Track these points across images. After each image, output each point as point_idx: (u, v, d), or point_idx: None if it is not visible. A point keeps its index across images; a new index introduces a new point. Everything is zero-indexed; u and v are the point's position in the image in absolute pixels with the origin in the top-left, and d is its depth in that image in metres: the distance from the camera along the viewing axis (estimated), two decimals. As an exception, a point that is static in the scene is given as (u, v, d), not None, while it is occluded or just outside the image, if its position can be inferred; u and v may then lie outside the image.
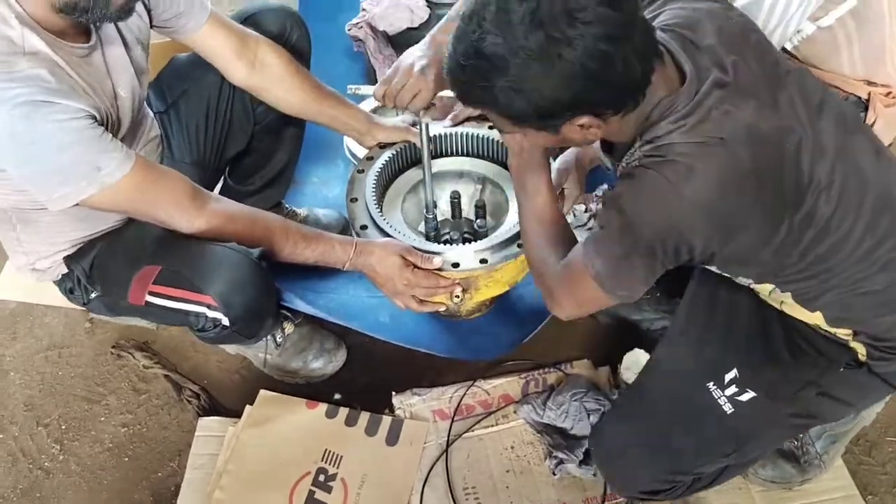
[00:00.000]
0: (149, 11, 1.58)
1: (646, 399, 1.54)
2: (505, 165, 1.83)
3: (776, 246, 1.21)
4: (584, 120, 1.14)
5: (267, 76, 1.72)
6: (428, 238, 1.77)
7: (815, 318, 1.34)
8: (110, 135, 1.38)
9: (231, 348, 1.91)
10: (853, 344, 1.34)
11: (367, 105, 2.09)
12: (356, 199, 1.73)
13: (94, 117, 1.35)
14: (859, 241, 1.23)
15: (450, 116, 1.87)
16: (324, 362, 1.86)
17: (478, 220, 1.80)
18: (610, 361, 1.86)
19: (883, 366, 1.33)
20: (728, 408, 1.39)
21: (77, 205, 1.39)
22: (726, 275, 1.39)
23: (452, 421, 1.77)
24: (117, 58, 1.50)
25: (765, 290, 1.36)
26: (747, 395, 1.38)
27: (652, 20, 1.24)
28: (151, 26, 1.61)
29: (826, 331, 1.35)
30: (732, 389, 1.39)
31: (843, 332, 1.34)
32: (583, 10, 1.04)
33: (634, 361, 1.81)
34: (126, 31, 1.52)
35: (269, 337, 1.81)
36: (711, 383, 1.41)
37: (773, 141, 1.15)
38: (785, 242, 1.21)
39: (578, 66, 1.05)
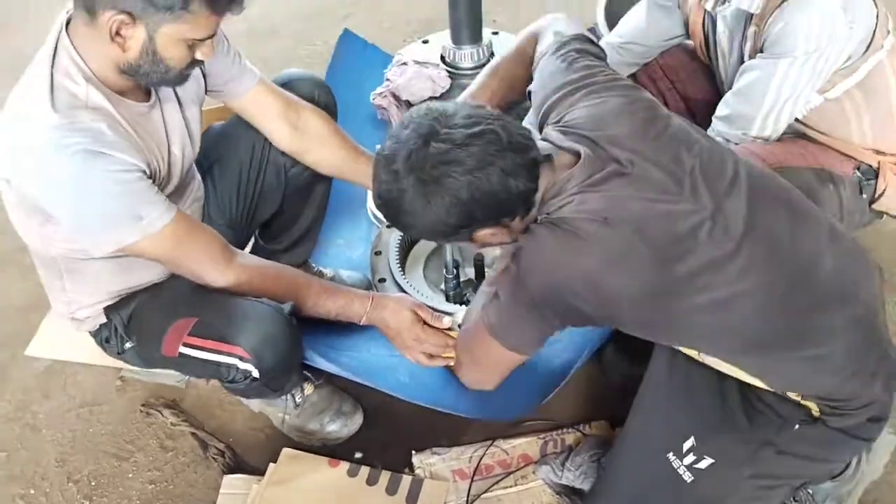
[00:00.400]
0: (205, 77, 1.69)
1: (616, 473, 1.56)
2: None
3: (670, 317, 1.28)
4: (486, 231, 1.32)
5: (309, 137, 1.81)
6: (448, 298, 1.81)
7: (759, 383, 1.35)
8: (156, 188, 1.49)
9: (254, 405, 1.95)
10: (805, 402, 1.35)
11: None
12: (380, 253, 1.79)
13: (143, 171, 1.46)
14: (769, 313, 1.26)
15: None
16: (340, 425, 1.89)
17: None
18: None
19: (837, 421, 1.33)
20: (688, 476, 1.40)
21: (119, 252, 1.49)
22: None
23: (472, 481, 1.78)
24: (173, 118, 1.61)
25: (692, 352, 1.39)
26: (705, 462, 1.38)
27: (560, 119, 1.36)
28: (206, 91, 1.72)
29: (776, 391, 1.36)
30: (690, 458, 1.40)
31: (792, 394, 1.34)
32: (447, 153, 1.24)
33: (652, 422, 1.82)
34: (182, 94, 1.63)
35: (288, 396, 1.86)
36: (671, 454, 1.42)
37: (663, 224, 1.23)
38: (678, 316, 1.27)
39: (452, 198, 1.25)
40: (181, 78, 1.51)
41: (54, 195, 1.43)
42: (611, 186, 1.25)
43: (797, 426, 1.35)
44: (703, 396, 1.44)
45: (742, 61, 1.79)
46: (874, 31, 1.69)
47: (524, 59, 1.66)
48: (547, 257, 1.27)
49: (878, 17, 1.69)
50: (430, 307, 1.67)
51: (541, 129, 1.43)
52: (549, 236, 1.26)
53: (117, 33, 1.37)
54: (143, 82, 1.49)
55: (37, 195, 1.44)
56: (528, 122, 1.55)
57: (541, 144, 1.34)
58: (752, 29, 1.74)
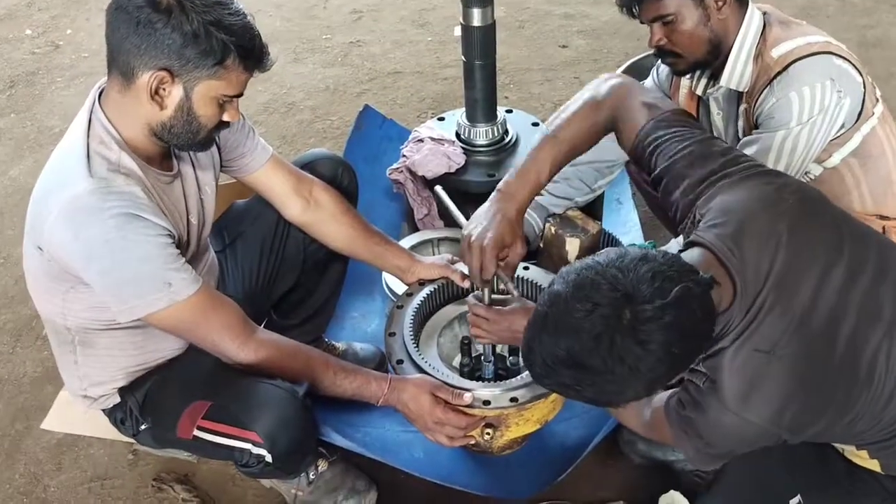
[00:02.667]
0: (220, 150, 1.74)
1: None
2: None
3: (848, 422, 1.27)
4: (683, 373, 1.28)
5: (320, 213, 1.85)
6: (462, 374, 1.81)
7: (872, 465, 1.36)
8: (183, 258, 1.52)
9: (266, 482, 1.93)
10: None
11: (407, 243, 2.19)
12: (394, 334, 1.79)
13: (172, 236, 1.50)
14: None
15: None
16: (355, 503, 1.87)
17: (511, 357, 1.85)
18: (644, 502, 1.84)
19: None
20: None
21: (140, 322, 1.51)
22: None
23: (486, 561, 1.75)
24: (192, 188, 1.66)
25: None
26: None
27: (704, 215, 1.33)
28: (222, 167, 1.77)
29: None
30: None
31: None
32: (651, 333, 1.14)
33: (670, 503, 1.79)
34: (198, 166, 1.68)
35: (302, 474, 1.84)
36: None
37: (823, 332, 1.23)
38: (857, 418, 1.27)
39: (663, 368, 1.18)
40: (208, 141, 1.56)
41: (90, 256, 1.45)
42: (768, 309, 1.24)
43: None
44: (804, 459, 1.45)
45: (738, 139, 1.84)
46: (863, 99, 1.74)
47: (593, 129, 1.60)
48: (728, 425, 1.26)
49: (864, 85, 1.74)
50: (449, 384, 1.66)
51: (681, 219, 1.41)
52: (719, 406, 1.25)
53: (156, 92, 1.44)
54: (172, 144, 1.54)
55: (71, 258, 1.47)
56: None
57: (695, 251, 1.29)
58: (742, 106, 1.80)
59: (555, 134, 1.61)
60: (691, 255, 1.28)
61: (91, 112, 1.50)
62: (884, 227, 1.80)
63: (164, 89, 1.44)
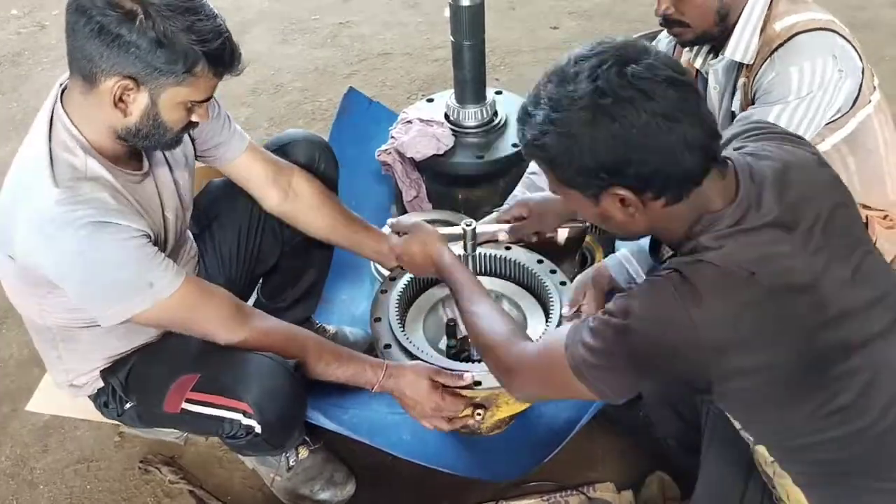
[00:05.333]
0: (193, 141, 1.70)
1: None
2: (520, 283, 1.90)
3: (782, 404, 1.17)
4: (623, 192, 1.15)
5: (299, 204, 1.81)
6: (449, 356, 1.81)
7: None
8: (162, 254, 1.48)
9: (248, 461, 1.92)
10: None
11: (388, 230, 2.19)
12: (380, 319, 1.78)
13: (148, 236, 1.46)
14: (878, 428, 1.17)
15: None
16: (331, 495, 1.85)
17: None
18: (632, 482, 1.85)
19: None
20: None
21: (126, 321, 1.47)
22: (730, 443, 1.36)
23: (473, 543, 1.75)
24: (165, 183, 1.62)
25: (765, 457, 1.29)
26: None
27: (740, 148, 1.27)
28: (196, 156, 1.73)
29: None
30: None
31: None
32: (641, 79, 1.10)
33: (657, 484, 1.79)
34: (172, 160, 1.63)
35: (283, 458, 1.83)
36: None
37: (811, 300, 1.13)
38: (792, 408, 1.17)
39: (621, 132, 1.10)
40: (176, 141, 1.51)
41: (64, 269, 1.42)
42: (768, 240, 1.13)
43: None
44: None
45: (732, 115, 1.82)
46: (861, 85, 1.72)
47: None
48: (666, 312, 1.12)
49: (863, 71, 1.72)
50: (446, 369, 1.66)
51: None
52: (672, 292, 1.12)
53: (120, 99, 1.37)
54: (139, 146, 1.49)
55: (46, 271, 1.43)
56: None
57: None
58: (741, 80, 1.78)
59: None
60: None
61: (52, 113, 1.43)
62: (866, 217, 1.80)
63: (128, 97, 1.37)
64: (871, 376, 1.16)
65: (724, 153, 1.24)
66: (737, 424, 1.30)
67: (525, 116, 1.20)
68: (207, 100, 1.46)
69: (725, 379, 1.15)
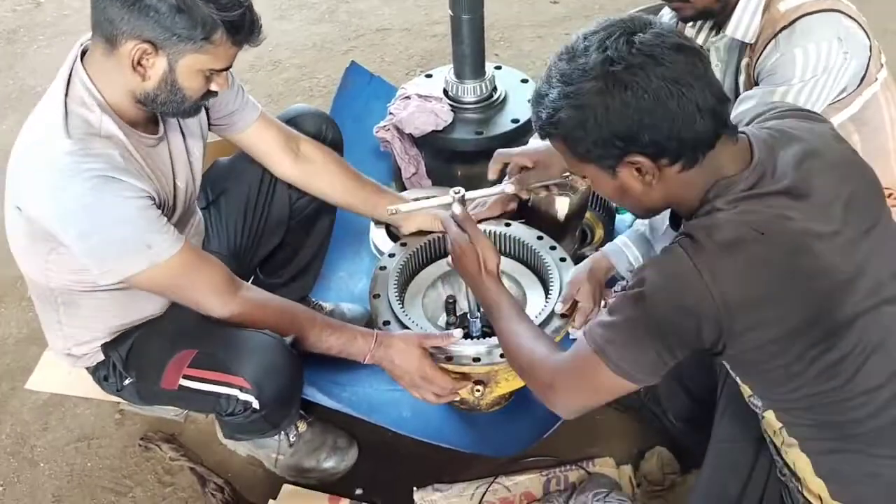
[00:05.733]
0: (207, 111, 1.70)
1: None
2: (520, 260, 1.89)
3: (789, 360, 1.17)
4: (639, 160, 1.16)
5: (310, 168, 1.83)
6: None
7: (819, 489, 1.27)
8: (165, 218, 1.49)
9: (243, 449, 1.93)
10: None
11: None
12: (378, 296, 1.78)
13: (153, 199, 1.47)
14: (884, 394, 1.18)
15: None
16: (336, 461, 1.87)
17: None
18: (631, 458, 1.85)
19: None
20: None
21: (123, 284, 1.49)
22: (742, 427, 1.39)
23: (473, 518, 1.76)
24: (179, 151, 1.63)
25: (774, 425, 1.30)
26: None
27: (762, 123, 1.28)
28: (210, 126, 1.73)
29: None
30: None
31: None
32: (649, 45, 1.12)
33: (657, 459, 1.80)
34: (186, 129, 1.64)
35: (282, 436, 1.83)
36: None
37: (821, 263, 1.14)
38: (799, 361, 1.17)
39: (633, 99, 1.12)
40: (195, 109, 1.53)
41: (67, 219, 1.43)
42: (780, 205, 1.15)
43: None
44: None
45: (736, 93, 1.80)
46: (868, 64, 1.70)
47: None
48: (680, 274, 1.14)
49: (871, 49, 1.70)
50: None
51: None
52: (683, 256, 1.13)
53: (139, 63, 1.40)
54: (157, 112, 1.52)
55: (49, 221, 1.45)
56: None
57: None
58: (745, 60, 1.75)
59: None
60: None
61: (72, 71, 1.46)
62: None
63: (146, 61, 1.40)
64: (880, 339, 1.18)
65: (742, 127, 1.25)
66: (747, 391, 1.31)
67: (538, 98, 1.21)
68: (227, 69, 1.47)
69: (739, 335, 1.15)
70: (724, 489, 1.45)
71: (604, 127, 1.14)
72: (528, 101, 1.24)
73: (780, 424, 1.29)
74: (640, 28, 1.15)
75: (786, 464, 1.34)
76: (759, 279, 1.13)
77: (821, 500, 1.29)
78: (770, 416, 1.30)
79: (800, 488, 1.32)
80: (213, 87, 1.49)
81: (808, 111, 1.35)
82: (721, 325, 1.14)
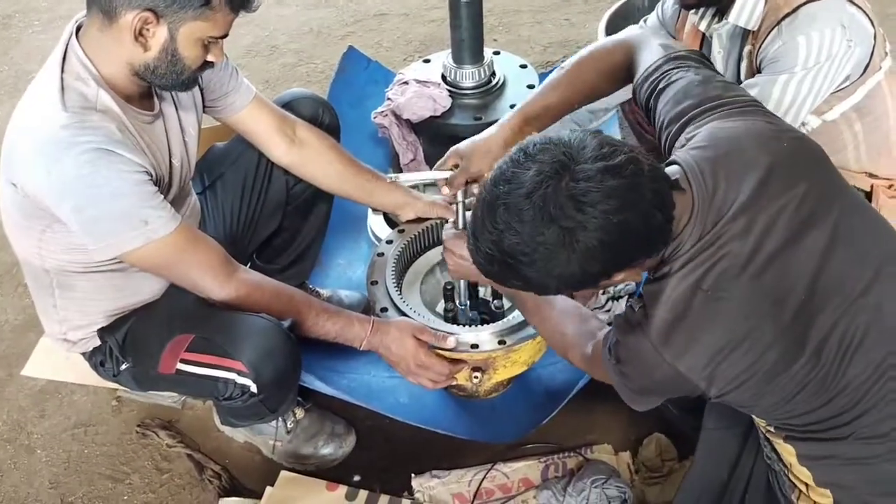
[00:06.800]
0: (202, 91, 1.69)
1: None
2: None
3: (772, 394, 1.18)
4: (621, 276, 1.16)
5: (305, 152, 1.81)
6: (447, 319, 1.79)
7: (805, 476, 1.28)
8: (161, 195, 1.48)
9: (240, 435, 1.92)
10: None
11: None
12: (376, 282, 1.77)
13: (150, 175, 1.46)
14: (874, 389, 1.18)
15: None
16: (335, 447, 1.87)
17: (494, 301, 1.83)
18: (630, 444, 1.85)
19: None
20: None
21: (119, 264, 1.50)
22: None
23: (472, 505, 1.76)
24: (175, 130, 1.62)
25: (761, 422, 1.32)
26: None
27: (690, 138, 1.25)
28: (204, 108, 1.72)
29: None
30: None
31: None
32: (587, 193, 1.06)
33: (655, 446, 1.80)
34: (182, 108, 1.63)
35: (279, 423, 1.83)
36: None
37: (775, 291, 1.13)
38: (781, 393, 1.17)
39: (598, 244, 1.07)
40: (192, 80, 1.53)
41: (63, 193, 1.42)
42: (716, 251, 1.13)
43: None
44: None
45: (738, 80, 1.79)
46: (872, 52, 1.68)
47: (609, 69, 1.58)
48: (646, 362, 1.18)
49: (875, 37, 1.68)
50: (432, 328, 1.65)
51: (670, 149, 1.32)
52: (643, 341, 1.17)
53: (140, 33, 1.40)
54: (156, 84, 1.51)
55: (44, 194, 1.44)
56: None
57: (669, 169, 1.20)
58: (747, 48, 1.74)
59: (570, 69, 1.62)
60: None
61: (67, 46, 1.45)
62: (871, 186, 1.77)
63: (148, 30, 1.40)
64: (861, 338, 1.16)
65: (675, 154, 1.23)
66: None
67: (487, 262, 1.16)
68: (224, 36, 1.47)
69: (720, 390, 1.18)
70: (713, 474, 1.46)
71: (579, 276, 1.11)
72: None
73: (765, 422, 1.30)
74: (563, 172, 1.07)
75: (773, 449, 1.34)
76: (723, 341, 1.13)
77: (806, 486, 1.29)
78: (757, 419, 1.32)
79: (786, 472, 1.33)
80: (210, 58, 1.49)
81: (744, 105, 1.30)
82: (700, 388, 1.18)
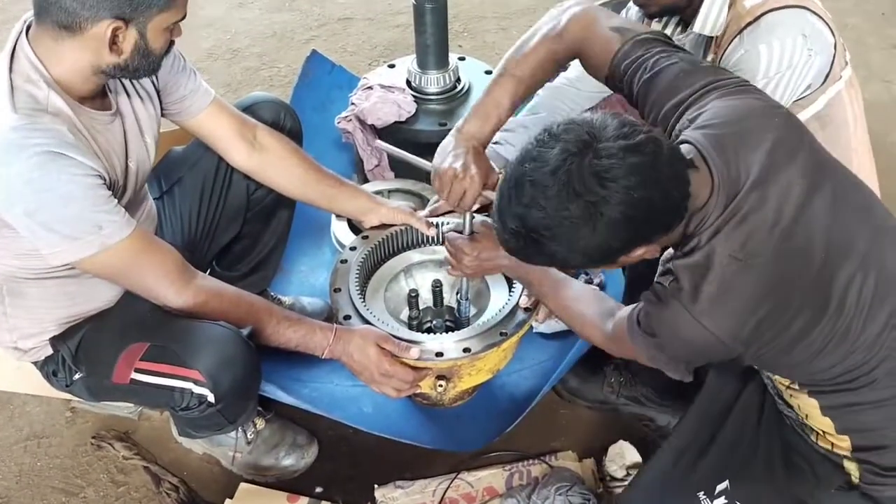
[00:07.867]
0: (159, 94, 1.66)
1: (642, 498, 1.54)
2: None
3: (803, 350, 1.23)
4: (640, 251, 1.20)
5: (266, 157, 1.77)
6: (410, 326, 1.77)
7: (824, 425, 1.33)
8: (115, 200, 1.44)
9: (199, 447, 1.88)
10: (847, 464, 1.33)
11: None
12: (339, 290, 1.74)
13: (103, 179, 1.42)
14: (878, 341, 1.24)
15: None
16: (296, 458, 1.84)
17: (462, 303, 1.81)
18: (594, 452, 1.85)
19: (878, 490, 1.31)
20: None
21: (72, 270, 1.45)
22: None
23: (436, 515, 1.74)
24: (133, 131, 1.58)
25: (784, 381, 1.36)
26: None
27: (694, 119, 1.29)
28: (163, 112, 1.68)
29: (825, 449, 1.35)
30: (721, 501, 1.39)
31: (843, 447, 1.33)
32: (609, 170, 1.11)
33: (619, 453, 1.80)
34: (140, 112, 1.60)
35: (239, 433, 1.79)
36: (702, 493, 1.41)
37: (799, 250, 1.19)
38: (811, 349, 1.23)
39: (621, 217, 1.12)
40: (159, 66, 1.50)
41: (12, 197, 1.37)
42: (745, 215, 1.18)
43: (833, 490, 1.34)
44: (746, 444, 1.45)
45: None
46: (832, 62, 1.70)
47: (551, 60, 1.57)
48: (682, 327, 1.21)
49: (836, 47, 1.70)
50: (396, 337, 1.62)
51: (669, 132, 1.34)
52: (679, 308, 1.20)
53: (113, 42, 1.37)
54: (127, 77, 1.50)
55: None
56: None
57: (682, 148, 1.24)
58: (710, 56, 1.75)
59: (512, 71, 1.58)
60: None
61: (16, 46, 1.41)
62: None
63: (119, 37, 1.38)
64: (874, 291, 1.22)
65: (683, 135, 1.27)
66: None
67: (512, 239, 1.21)
68: (183, 17, 1.46)
69: (757, 352, 1.23)
70: (718, 400, 1.51)
71: (602, 251, 1.17)
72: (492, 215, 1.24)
73: (789, 382, 1.35)
74: (587, 150, 1.12)
75: (787, 404, 1.40)
76: (758, 305, 1.18)
77: (824, 433, 1.35)
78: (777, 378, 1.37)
79: (803, 421, 1.37)
80: (174, 38, 1.48)
81: (736, 84, 1.34)
82: (737, 351, 1.22)
